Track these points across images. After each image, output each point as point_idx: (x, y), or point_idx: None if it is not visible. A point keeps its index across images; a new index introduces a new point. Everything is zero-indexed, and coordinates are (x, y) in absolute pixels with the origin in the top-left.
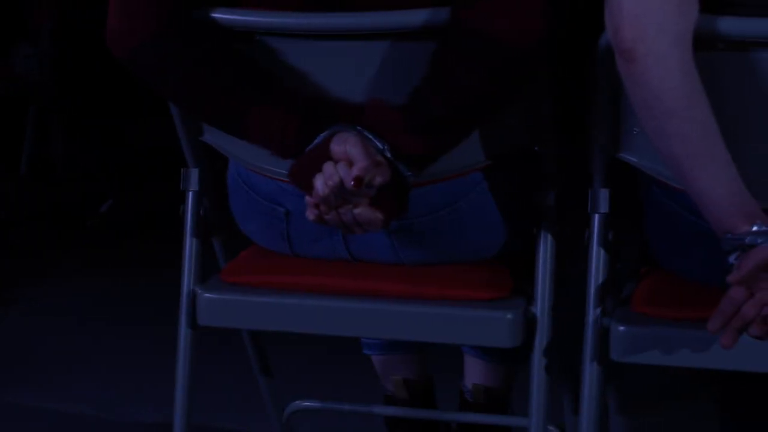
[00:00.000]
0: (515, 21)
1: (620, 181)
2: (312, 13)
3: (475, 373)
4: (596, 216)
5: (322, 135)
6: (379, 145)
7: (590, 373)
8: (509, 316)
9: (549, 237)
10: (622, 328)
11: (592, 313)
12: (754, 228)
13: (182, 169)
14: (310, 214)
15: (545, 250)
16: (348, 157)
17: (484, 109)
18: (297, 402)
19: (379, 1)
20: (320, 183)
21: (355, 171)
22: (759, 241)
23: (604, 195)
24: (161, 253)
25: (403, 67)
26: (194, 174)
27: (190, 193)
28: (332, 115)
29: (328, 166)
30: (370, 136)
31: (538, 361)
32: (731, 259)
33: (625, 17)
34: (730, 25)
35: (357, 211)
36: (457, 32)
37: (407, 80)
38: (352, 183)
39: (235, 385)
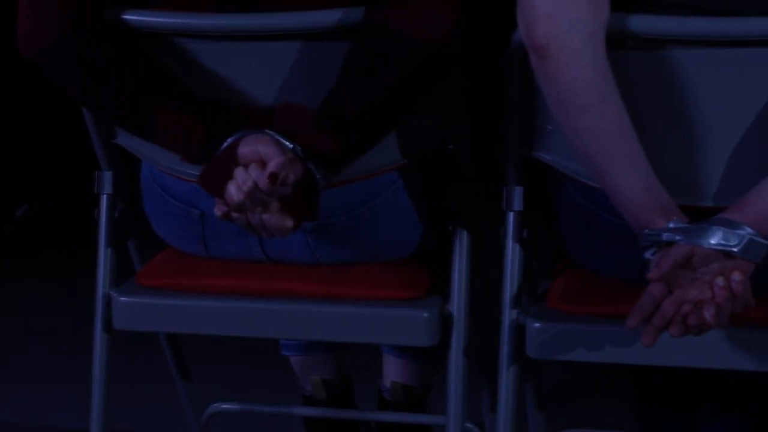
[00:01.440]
0: (427, 19)
1: (534, 179)
2: (222, 14)
3: (393, 372)
4: (511, 214)
5: (229, 139)
6: (290, 145)
7: (507, 370)
8: (425, 314)
9: (464, 235)
10: (537, 324)
11: (507, 310)
12: (671, 225)
13: (95, 172)
14: (218, 211)
15: (461, 248)
16: (259, 158)
17: (399, 108)
18: (216, 405)
19: (291, 2)
20: (234, 189)
21: (271, 167)
22: (677, 237)
23: (518, 193)
24: (77, 257)
25: (316, 67)
26: (108, 177)
27: (104, 197)
28: (240, 118)
29: (239, 172)
30: (280, 138)
31: (455, 359)
32: (647, 255)
33: (538, 15)
34: (640, 23)
35: (265, 216)
36: (370, 31)
37: (320, 81)
38: (268, 181)
39: (153, 389)
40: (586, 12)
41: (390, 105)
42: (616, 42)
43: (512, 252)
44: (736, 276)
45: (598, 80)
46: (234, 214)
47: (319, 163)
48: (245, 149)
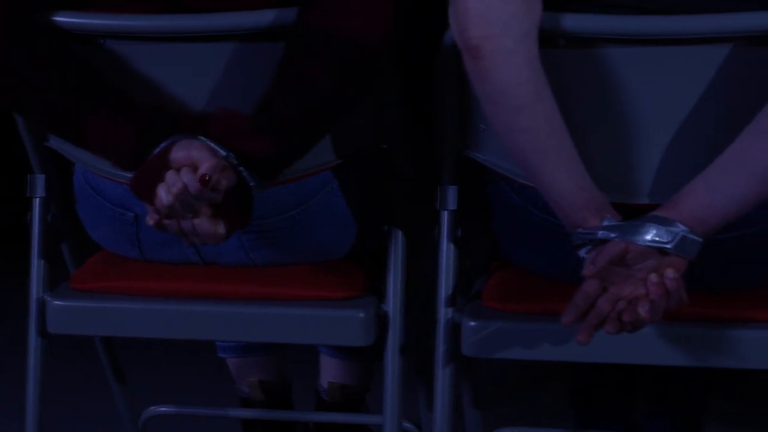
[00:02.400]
0: (362, 19)
1: (469, 178)
2: (155, 16)
3: (330, 372)
4: (445, 213)
5: (162, 144)
6: (223, 152)
7: (443, 368)
8: (361, 314)
9: (399, 235)
10: (472, 323)
11: (443, 309)
12: (605, 223)
13: (28, 176)
14: (150, 219)
15: (396, 247)
16: (191, 162)
17: (334, 109)
18: (152, 408)
19: (226, 2)
20: (163, 192)
21: (203, 169)
22: (612, 235)
23: (452, 192)
24: (11, 261)
25: (250, 69)
26: (40, 180)
27: (37, 200)
28: (174, 124)
29: (170, 174)
30: (213, 145)
31: (391, 358)
32: (582, 253)
33: (471, 15)
34: (572, 22)
35: (197, 221)
36: (304, 32)
37: (254, 82)
38: (198, 184)
39: (89, 393)
40: (519, 12)
41: (325, 107)
42: (548, 41)
43: (447, 251)
44: (670, 273)
45: (531, 80)
46: (166, 221)
47: (254, 169)
48: (178, 154)
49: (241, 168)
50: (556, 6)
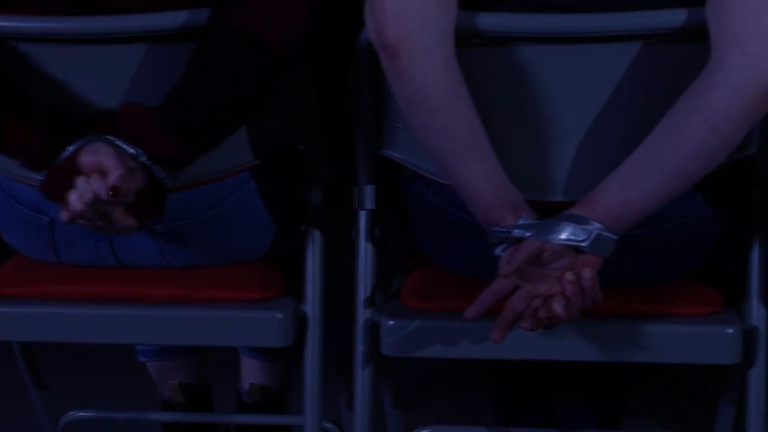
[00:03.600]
0: (273, 19)
1: (386, 177)
2: (66, 17)
3: (251, 374)
4: (362, 213)
5: (70, 148)
6: (133, 151)
7: (362, 368)
8: (279, 315)
9: (317, 235)
10: (391, 322)
11: (361, 309)
12: (520, 221)
13: None
14: (63, 216)
15: (314, 248)
16: (100, 168)
17: (243, 106)
18: (71, 413)
19: (136, 4)
20: (74, 198)
21: (111, 181)
22: (527, 234)
23: (369, 191)
24: None
25: (162, 70)
26: None
27: None
28: (83, 126)
29: (80, 182)
30: (122, 144)
31: (310, 359)
32: (497, 251)
33: (389, 15)
34: (487, 20)
35: (111, 218)
36: (216, 30)
37: (167, 83)
38: (109, 194)
39: (7, 398)
40: (436, 11)
41: (235, 105)
42: (464, 40)
43: (365, 251)
44: (586, 273)
45: (448, 79)
46: (80, 221)
47: (163, 165)
48: (86, 159)
49: (150, 163)
50: (472, 5)
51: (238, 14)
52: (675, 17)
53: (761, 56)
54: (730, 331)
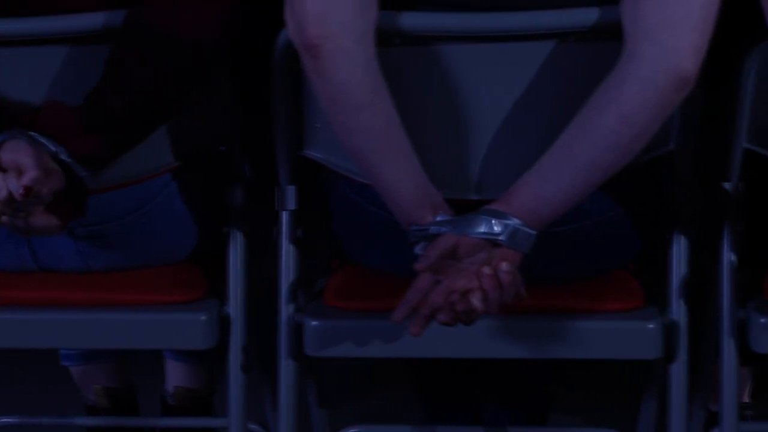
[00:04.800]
0: (191, 18)
1: (308, 177)
2: None
3: (176, 376)
4: (284, 213)
5: None
6: (53, 148)
7: (286, 369)
8: (203, 317)
9: (240, 236)
10: (314, 322)
11: (284, 309)
12: (438, 218)
13: None
14: None
15: (236, 249)
16: (17, 166)
17: (161, 105)
18: None
19: (56, 5)
20: None
21: (24, 181)
22: (443, 230)
23: (290, 192)
24: None
25: (84, 72)
26: None
27: None
28: (6, 121)
29: None
30: (44, 141)
31: (234, 360)
32: (417, 249)
33: (310, 15)
34: (407, 20)
35: (31, 219)
36: (134, 30)
37: (88, 83)
38: (21, 193)
39: None
40: (356, 11)
41: (153, 103)
42: (384, 40)
43: (287, 251)
44: (504, 266)
45: (370, 79)
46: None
47: (85, 163)
48: (6, 156)
49: (71, 161)
50: (392, 5)
51: (154, 13)
52: (590, 15)
53: (672, 46)
54: (651, 326)
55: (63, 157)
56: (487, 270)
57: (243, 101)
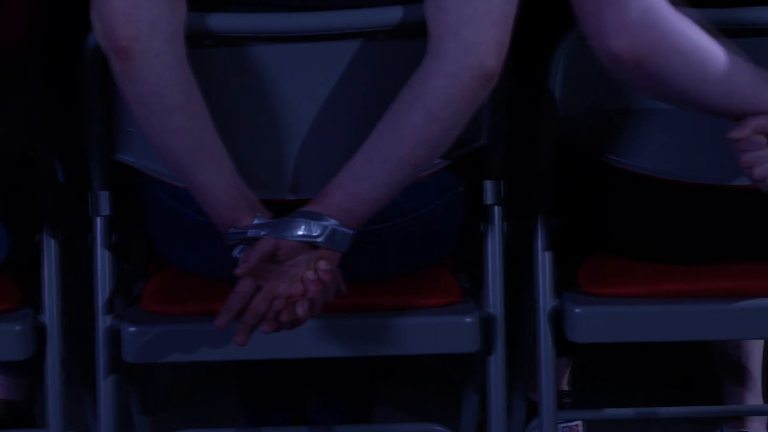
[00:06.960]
0: None
1: (123, 180)
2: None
3: None
4: (98, 219)
5: None
6: None
7: (105, 377)
8: (17, 327)
9: (52, 243)
10: (132, 329)
11: (101, 316)
12: (256, 221)
13: None
14: None
15: (49, 256)
16: None
17: None
18: None
19: None
20: None
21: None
22: (262, 233)
23: (104, 197)
24: None
25: None
26: None
27: None
28: None
29: None
30: None
31: (51, 369)
32: (235, 253)
33: (118, 15)
34: (217, 21)
35: None
36: None
37: None
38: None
39: None
40: (165, 11)
41: None
42: (195, 41)
43: (102, 257)
44: (323, 265)
45: (182, 80)
46: None
47: None
48: None
49: None
50: (201, 5)
51: None
52: (398, 14)
53: (475, 41)
54: (469, 320)
55: None
56: (311, 275)
57: (54, 105)
